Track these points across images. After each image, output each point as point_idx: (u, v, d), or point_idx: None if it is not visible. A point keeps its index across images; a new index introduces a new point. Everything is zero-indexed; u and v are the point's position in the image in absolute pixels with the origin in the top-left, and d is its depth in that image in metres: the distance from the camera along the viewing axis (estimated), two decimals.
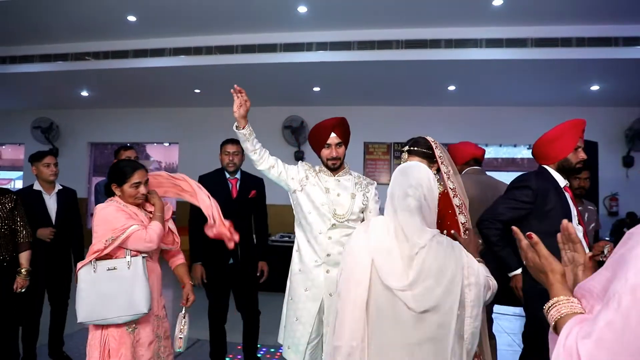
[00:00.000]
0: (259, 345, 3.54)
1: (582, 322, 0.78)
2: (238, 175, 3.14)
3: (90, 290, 1.99)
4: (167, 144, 9.97)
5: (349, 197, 2.24)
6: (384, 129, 8.35)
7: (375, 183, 2.41)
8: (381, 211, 2.20)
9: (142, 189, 2.16)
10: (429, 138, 2.09)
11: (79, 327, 3.78)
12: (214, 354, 3.16)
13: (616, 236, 6.41)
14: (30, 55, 6.53)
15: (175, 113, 8.80)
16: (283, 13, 5.24)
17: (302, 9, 5.11)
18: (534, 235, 0.99)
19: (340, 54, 5.89)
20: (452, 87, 7.02)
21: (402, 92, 7.36)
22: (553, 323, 0.86)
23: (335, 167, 2.29)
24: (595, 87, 6.75)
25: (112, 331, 2.03)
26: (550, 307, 0.89)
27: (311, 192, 2.25)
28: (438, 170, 2.06)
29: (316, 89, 7.31)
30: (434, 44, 5.64)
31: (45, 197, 3.23)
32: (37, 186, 3.25)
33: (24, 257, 2.88)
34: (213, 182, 3.07)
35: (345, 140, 2.31)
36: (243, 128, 2.17)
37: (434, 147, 2.05)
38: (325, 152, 2.27)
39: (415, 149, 2.07)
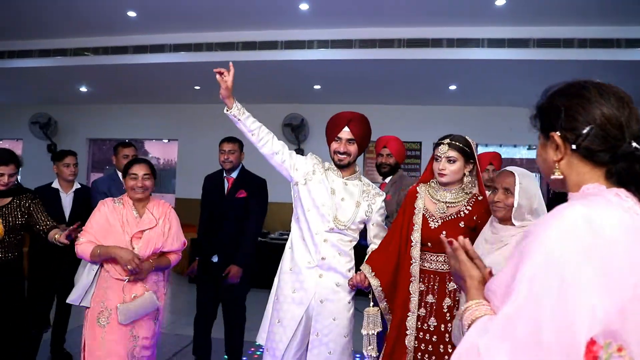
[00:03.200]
0: (257, 344, 3.52)
1: (486, 322, 0.79)
2: (235, 174, 3.11)
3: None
4: (166, 141, 9.93)
5: (354, 205, 2.09)
6: (384, 128, 8.23)
7: (384, 195, 2.25)
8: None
9: (139, 182, 2.25)
10: (467, 137, 2.02)
11: (77, 324, 3.76)
12: (196, 349, 3.14)
13: None
14: (29, 50, 6.46)
15: (175, 109, 8.74)
16: (284, 10, 5.20)
17: (304, 7, 5.08)
18: (454, 242, 0.98)
19: (342, 52, 5.85)
20: (453, 87, 7.00)
21: (403, 91, 7.33)
22: (466, 328, 0.86)
23: (341, 163, 2.12)
24: None
25: (87, 322, 2.23)
26: (462, 312, 0.89)
27: (314, 189, 2.09)
28: (470, 172, 2.00)
29: (317, 87, 7.28)
30: (436, 43, 5.61)
31: (62, 195, 3.34)
32: (55, 184, 3.36)
33: (54, 233, 2.62)
34: (213, 180, 3.15)
35: (359, 138, 2.13)
36: (230, 109, 2.02)
37: (473, 147, 1.99)
38: (334, 145, 2.13)
39: (457, 143, 1.96)
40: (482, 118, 7.84)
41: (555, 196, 6.72)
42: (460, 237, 0.95)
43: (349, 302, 2.07)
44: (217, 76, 1.96)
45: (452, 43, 5.59)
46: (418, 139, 8.35)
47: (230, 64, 1.99)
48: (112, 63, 6.29)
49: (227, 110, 2.03)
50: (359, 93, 7.47)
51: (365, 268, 2.04)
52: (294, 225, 2.15)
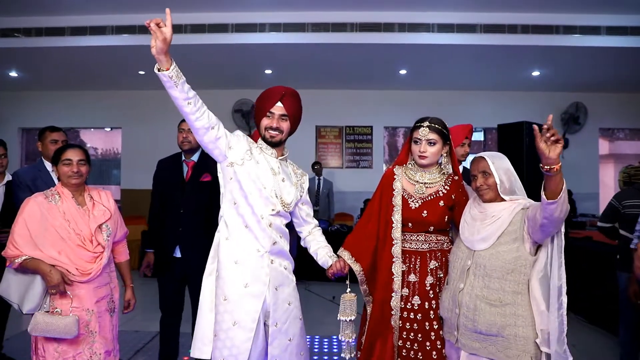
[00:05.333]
0: None
1: None
2: (195, 158, 2.87)
3: None
4: (108, 129, 9.42)
5: (293, 186, 1.99)
6: (336, 113, 8.36)
7: (307, 175, 2.16)
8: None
9: (74, 167, 2.11)
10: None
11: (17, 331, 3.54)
12: (163, 353, 2.93)
13: None
14: None
15: (118, 96, 8.28)
16: None
17: None
18: None
19: (294, 35, 5.77)
20: (403, 71, 7.11)
21: (355, 76, 7.37)
22: None
23: (273, 140, 1.93)
24: (536, 73, 7.09)
25: None
26: None
27: (254, 170, 1.88)
28: (447, 153, 2.05)
29: (268, 71, 7.16)
30: (388, 27, 5.66)
31: None
32: None
33: None
34: (169, 165, 2.88)
35: (292, 115, 1.96)
36: (167, 70, 1.64)
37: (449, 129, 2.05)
38: (265, 122, 1.93)
39: (436, 126, 1.97)
40: (431, 102, 8.05)
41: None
42: None
43: (295, 284, 2.02)
44: (152, 25, 1.57)
45: (403, 28, 5.66)
46: (369, 123, 8.46)
47: (167, 10, 1.64)
48: (47, 45, 5.84)
49: (160, 71, 1.64)
50: (310, 77, 7.43)
51: (344, 254, 2.02)
52: (229, 212, 1.90)
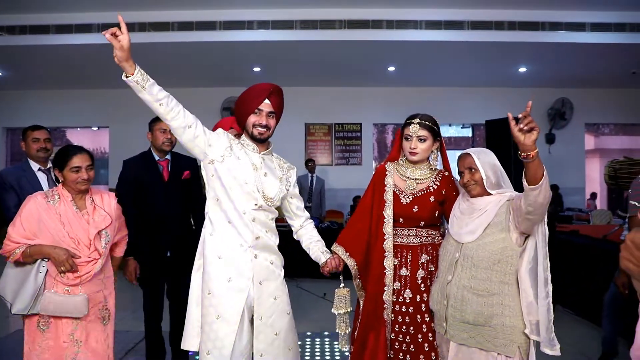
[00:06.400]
0: None
1: None
2: (168, 157, 2.85)
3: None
4: (95, 129, 9.33)
5: (277, 180, 2.00)
6: (325, 110, 8.37)
7: (295, 168, 2.18)
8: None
9: (83, 174, 2.05)
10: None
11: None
12: (151, 354, 2.91)
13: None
14: None
15: (106, 95, 8.18)
16: None
17: None
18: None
19: (282, 33, 5.77)
20: (392, 68, 7.15)
21: (344, 73, 7.39)
22: None
23: (262, 137, 1.95)
24: (522, 69, 7.17)
25: (27, 328, 2.06)
26: None
27: (235, 166, 1.90)
28: (437, 149, 2.07)
29: (257, 69, 7.14)
30: (376, 24, 5.68)
31: None
32: None
33: None
34: (141, 165, 2.80)
35: (278, 113, 1.99)
36: (132, 75, 1.67)
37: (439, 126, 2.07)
38: (253, 118, 1.92)
39: (427, 122, 2.00)
40: (419, 98, 8.08)
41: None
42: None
43: (283, 278, 2.01)
44: (107, 36, 1.64)
45: (391, 25, 5.69)
46: (358, 120, 8.49)
47: (119, 16, 1.71)
48: (32, 44, 5.77)
49: (126, 77, 1.69)
50: (299, 75, 7.43)
51: (338, 250, 2.04)
52: (213, 209, 1.94)
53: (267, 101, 1.93)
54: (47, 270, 2.02)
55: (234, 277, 1.87)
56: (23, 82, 7.77)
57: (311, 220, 2.19)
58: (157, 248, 2.75)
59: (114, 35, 1.64)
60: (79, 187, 2.07)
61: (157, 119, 2.79)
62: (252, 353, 1.90)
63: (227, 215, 1.90)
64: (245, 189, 1.89)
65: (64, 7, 5.44)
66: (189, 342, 1.95)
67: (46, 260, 2.01)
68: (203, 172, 1.97)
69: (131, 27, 5.58)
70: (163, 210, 2.75)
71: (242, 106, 1.97)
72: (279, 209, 2.07)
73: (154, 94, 1.73)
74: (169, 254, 2.78)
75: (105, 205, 2.18)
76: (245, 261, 1.89)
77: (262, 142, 1.98)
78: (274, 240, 2.00)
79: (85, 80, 7.67)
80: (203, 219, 2.82)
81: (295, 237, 2.17)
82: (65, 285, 2.02)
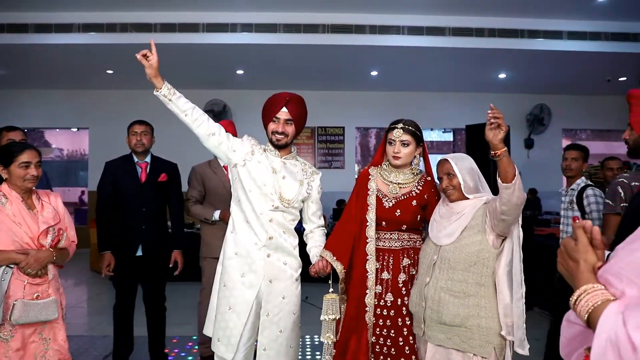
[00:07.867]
0: (194, 338, 3.44)
1: (627, 310, 0.69)
2: (148, 159, 2.97)
3: None
4: (75, 130, 9.17)
5: (297, 183, 2.10)
6: (308, 113, 8.37)
7: (320, 173, 2.27)
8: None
9: (33, 170, 2.03)
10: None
11: None
12: (117, 353, 2.95)
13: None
14: None
15: (85, 95, 8.07)
16: None
17: None
18: (578, 218, 0.90)
19: (266, 36, 5.78)
20: (374, 72, 7.21)
21: (327, 77, 7.42)
22: (586, 316, 0.77)
23: (279, 143, 2.08)
24: (502, 75, 7.30)
25: None
26: (578, 298, 0.81)
27: (255, 169, 2.04)
28: (420, 154, 2.10)
29: (240, 71, 7.13)
30: (359, 29, 5.73)
31: None
32: None
33: None
34: (120, 167, 2.92)
35: (297, 120, 2.11)
36: (159, 90, 1.91)
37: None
38: (271, 126, 2.07)
39: (410, 127, 2.05)
40: (401, 103, 8.18)
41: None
42: (588, 222, 0.87)
43: (297, 280, 2.09)
44: (138, 56, 1.86)
45: (374, 30, 5.75)
46: (341, 124, 8.53)
47: (151, 40, 1.92)
48: (8, 43, 5.65)
49: (156, 91, 1.92)
50: (282, 78, 7.43)
51: (326, 254, 2.05)
52: (235, 209, 2.09)
53: (284, 109, 2.07)
54: (11, 277, 1.96)
55: (247, 273, 2.01)
56: None
57: (323, 228, 2.26)
58: (127, 244, 2.84)
59: (145, 56, 1.86)
60: (26, 185, 2.03)
61: (131, 124, 2.96)
62: (256, 345, 2.03)
63: (245, 215, 2.04)
64: (263, 191, 2.02)
65: (43, 6, 5.35)
66: (208, 328, 2.12)
67: (11, 266, 1.95)
68: (230, 176, 2.15)
69: (112, 27, 5.56)
70: (137, 209, 2.87)
71: (263, 115, 2.13)
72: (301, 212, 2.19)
73: (179, 106, 1.93)
74: (140, 253, 2.86)
75: (52, 203, 2.16)
76: (258, 259, 2.01)
77: (281, 147, 2.11)
78: (291, 241, 2.10)
79: (65, 80, 7.54)
80: (180, 220, 2.93)
81: (304, 239, 2.24)
82: (35, 290, 1.99)
